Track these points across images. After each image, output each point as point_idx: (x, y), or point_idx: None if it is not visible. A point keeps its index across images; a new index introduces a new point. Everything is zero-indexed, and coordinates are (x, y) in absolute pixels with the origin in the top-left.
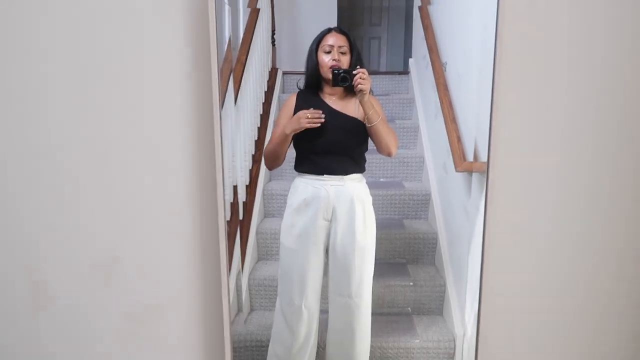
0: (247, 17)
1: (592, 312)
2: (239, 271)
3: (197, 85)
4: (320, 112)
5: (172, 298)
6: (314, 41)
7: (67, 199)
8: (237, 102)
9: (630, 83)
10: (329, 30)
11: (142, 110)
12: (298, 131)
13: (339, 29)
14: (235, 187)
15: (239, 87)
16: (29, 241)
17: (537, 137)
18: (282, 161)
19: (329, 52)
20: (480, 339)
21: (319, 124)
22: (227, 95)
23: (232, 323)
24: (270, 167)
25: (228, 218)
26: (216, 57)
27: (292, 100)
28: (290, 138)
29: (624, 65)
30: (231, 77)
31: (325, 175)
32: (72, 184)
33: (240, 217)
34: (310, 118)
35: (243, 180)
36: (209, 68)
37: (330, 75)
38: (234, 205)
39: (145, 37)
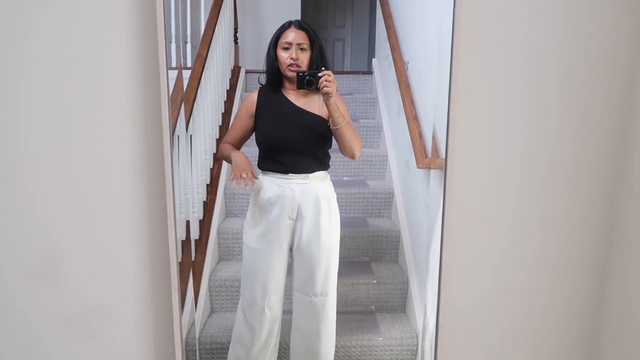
0: (208, 13)
1: (553, 307)
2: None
3: (145, 79)
4: (256, 179)
5: (120, 303)
6: (273, 36)
7: (1, 196)
8: (197, 98)
9: (591, 79)
10: (288, 25)
11: (86, 103)
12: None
13: (299, 24)
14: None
15: (198, 84)
16: None
17: (496, 132)
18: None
19: (287, 49)
20: (439, 334)
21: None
22: (185, 91)
23: (189, 327)
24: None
25: (187, 218)
26: (164, 52)
27: (254, 97)
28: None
29: (584, 60)
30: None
31: (290, 174)
32: (9, 181)
33: (201, 217)
34: (245, 179)
35: (203, 180)
36: (156, 64)
37: (289, 74)
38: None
39: (85, 28)
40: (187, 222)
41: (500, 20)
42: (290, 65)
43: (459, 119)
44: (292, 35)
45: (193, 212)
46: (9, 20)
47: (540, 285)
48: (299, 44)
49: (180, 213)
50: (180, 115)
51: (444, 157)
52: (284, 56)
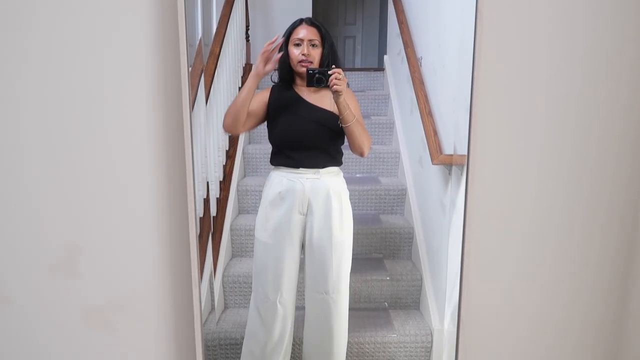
0: (219, 12)
1: (574, 305)
2: (212, 270)
3: (166, 78)
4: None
5: (139, 296)
6: (284, 33)
7: (23, 192)
8: (209, 97)
9: (613, 76)
10: (300, 22)
11: (107, 103)
12: (260, 72)
13: (310, 21)
14: (207, 183)
15: (211, 82)
16: None
17: (518, 129)
18: (242, 123)
19: (299, 45)
20: (461, 334)
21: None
22: (199, 89)
23: (204, 322)
24: (228, 124)
25: (201, 214)
26: (185, 52)
27: (267, 92)
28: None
29: (608, 56)
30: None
31: (301, 169)
32: (29, 176)
33: (214, 214)
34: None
35: (217, 176)
36: (178, 63)
37: (300, 69)
38: (207, 201)
39: (109, 30)
40: (201, 219)
41: (524, 14)
42: (302, 61)
43: (481, 116)
44: (303, 32)
45: (209, 209)
46: (39, 17)
47: (562, 285)
48: (310, 40)
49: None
50: (194, 112)
51: (459, 153)
52: (295, 52)
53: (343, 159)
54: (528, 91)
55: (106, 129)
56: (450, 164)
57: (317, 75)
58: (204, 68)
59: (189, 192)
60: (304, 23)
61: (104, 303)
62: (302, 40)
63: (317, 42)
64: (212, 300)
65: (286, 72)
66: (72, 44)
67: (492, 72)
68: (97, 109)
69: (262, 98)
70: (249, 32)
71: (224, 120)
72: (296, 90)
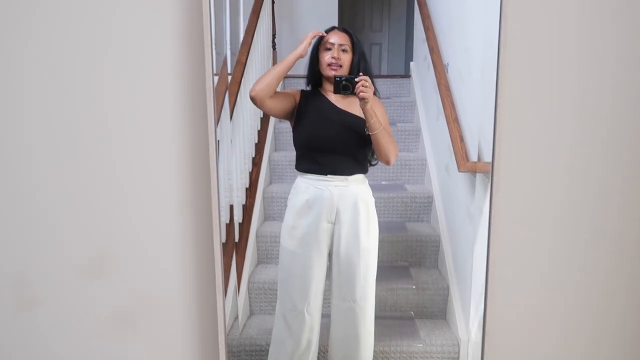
0: (247, 21)
1: (601, 317)
2: (236, 278)
3: (191, 85)
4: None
5: (165, 302)
6: (316, 40)
7: (52, 196)
8: (236, 105)
9: None
10: (332, 28)
11: (134, 108)
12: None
13: (342, 28)
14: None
15: (238, 90)
16: (11, 240)
17: (544, 136)
18: (271, 92)
19: (329, 50)
20: (486, 343)
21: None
22: (225, 99)
23: (229, 328)
24: (257, 88)
25: (227, 221)
26: (211, 59)
27: (297, 93)
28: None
29: (637, 63)
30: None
31: (328, 176)
32: (59, 181)
33: (240, 220)
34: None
35: (243, 183)
36: (203, 70)
37: (329, 72)
38: (232, 209)
39: (134, 35)
40: (227, 225)
41: (551, 17)
42: (331, 64)
43: (506, 123)
44: (335, 37)
45: (234, 215)
46: (68, 32)
47: (592, 296)
48: (341, 45)
49: (221, 216)
50: (221, 119)
51: (485, 160)
52: (325, 57)
53: (368, 167)
54: (554, 98)
55: (132, 134)
56: (476, 172)
57: (343, 82)
58: (232, 76)
59: (214, 199)
60: (336, 29)
61: (130, 308)
62: (333, 44)
63: (348, 47)
64: (236, 307)
65: (315, 76)
66: (101, 50)
67: (517, 78)
68: (125, 118)
69: (292, 94)
70: (275, 40)
71: (253, 86)
72: (325, 95)
